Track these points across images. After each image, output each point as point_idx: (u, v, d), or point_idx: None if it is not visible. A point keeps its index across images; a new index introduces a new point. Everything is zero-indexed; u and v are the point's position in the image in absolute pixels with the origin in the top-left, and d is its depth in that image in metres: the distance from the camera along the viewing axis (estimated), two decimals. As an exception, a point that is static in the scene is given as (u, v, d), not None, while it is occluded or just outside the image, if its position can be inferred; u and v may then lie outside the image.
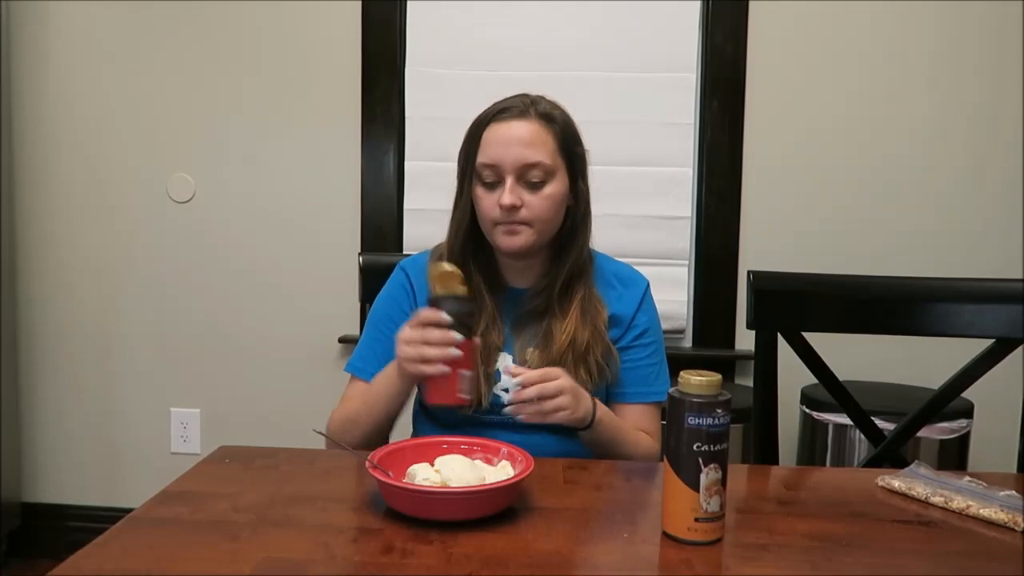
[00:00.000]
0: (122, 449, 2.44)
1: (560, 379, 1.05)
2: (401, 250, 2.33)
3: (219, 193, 2.36)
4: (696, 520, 0.78)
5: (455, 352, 0.99)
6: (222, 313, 2.37)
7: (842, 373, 1.28)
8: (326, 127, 2.33)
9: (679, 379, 0.81)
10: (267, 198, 2.35)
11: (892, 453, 1.26)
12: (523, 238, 1.15)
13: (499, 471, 0.90)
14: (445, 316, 1.00)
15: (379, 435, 1.17)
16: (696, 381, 0.79)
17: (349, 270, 2.24)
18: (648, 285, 1.26)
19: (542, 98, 1.19)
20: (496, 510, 0.83)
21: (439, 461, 0.89)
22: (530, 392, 1.03)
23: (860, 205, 2.25)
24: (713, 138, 2.25)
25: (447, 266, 1.06)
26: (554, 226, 1.18)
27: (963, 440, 2.00)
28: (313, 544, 0.77)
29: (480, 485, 0.82)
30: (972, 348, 1.23)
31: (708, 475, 0.78)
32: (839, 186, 2.26)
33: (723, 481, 0.79)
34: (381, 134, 2.30)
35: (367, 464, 0.85)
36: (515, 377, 1.05)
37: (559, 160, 1.16)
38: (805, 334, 1.26)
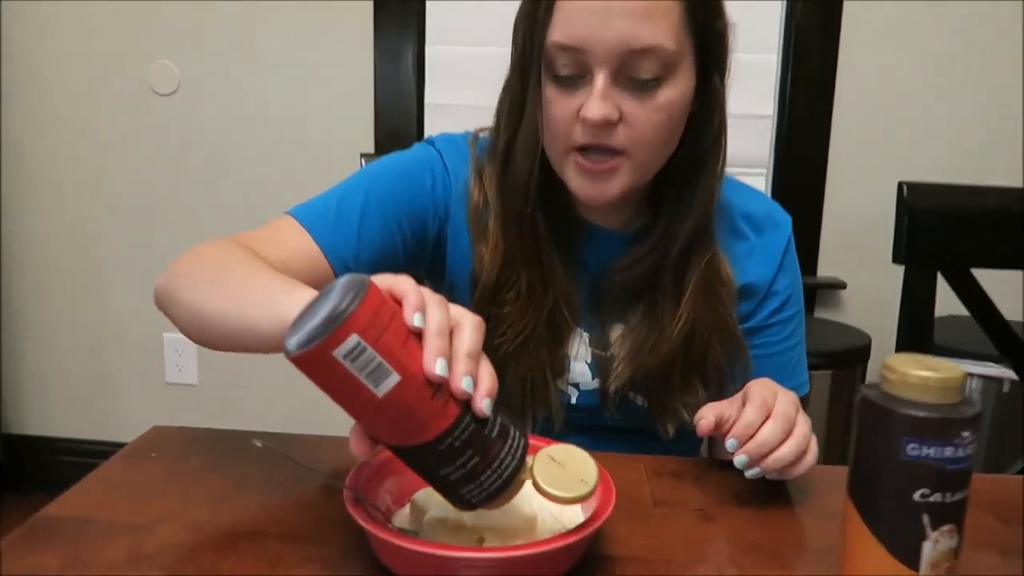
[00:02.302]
0: (113, 378, 2.18)
1: (797, 414, 0.64)
2: (421, 154, 1.97)
3: (207, 85, 2.00)
4: (909, 617, 0.45)
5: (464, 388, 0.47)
6: (216, 222, 2.04)
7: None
8: (332, 5, 1.93)
9: (884, 370, 0.46)
10: (264, 91, 1.99)
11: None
12: (615, 185, 0.72)
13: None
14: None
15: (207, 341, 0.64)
16: (922, 378, 0.44)
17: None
18: (792, 228, 0.85)
19: None
20: (558, 574, 0.51)
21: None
22: (788, 453, 0.62)
23: (979, 116, 1.83)
24: (804, 17, 1.82)
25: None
26: (667, 153, 0.74)
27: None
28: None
29: (536, 545, 0.48)
30: None
31: (938, 544, 0.45)
32: (959, 88, 1.83)
33: (957, 550, 0.46)
34: (396, 13, 1.91)
35: (346, 497, 0.52)
36: (727, 430, 0.63)
37: (685, 43, 0.70)
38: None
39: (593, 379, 0.81)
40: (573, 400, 0.82)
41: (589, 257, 0.81)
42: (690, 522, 0.61)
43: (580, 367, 0.81)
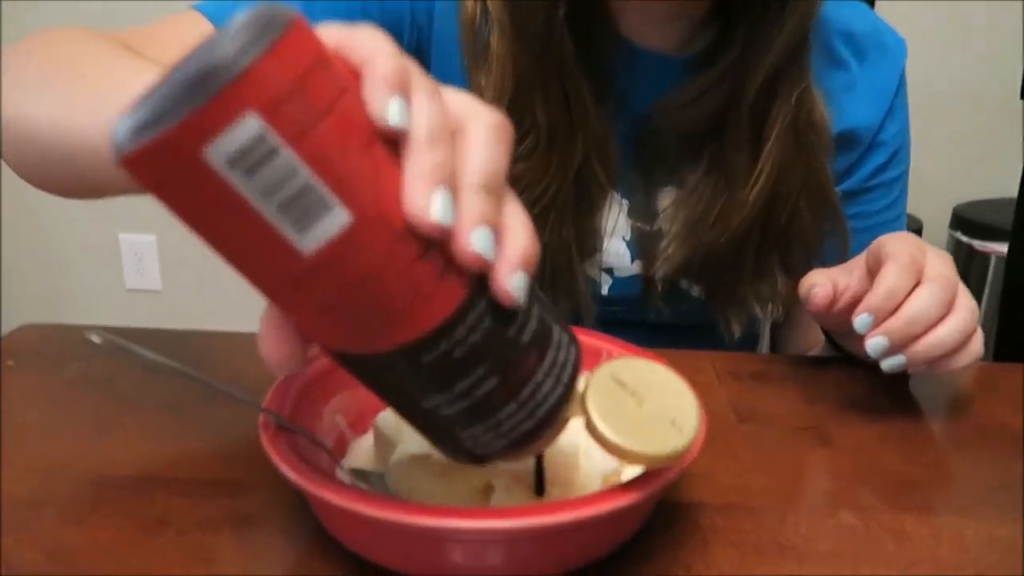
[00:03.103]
0: (65, 286, 1.97)
1: (958, 282, 0.44)
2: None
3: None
4: None
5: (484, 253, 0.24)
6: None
7: None
8: None
9: None
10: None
11: None
12: None
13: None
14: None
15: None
16: None
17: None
18: (906, 54, 0.63)
19: None
20: (615, 545, 0.31)
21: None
22: (950, 334, 0.42)
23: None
24: None
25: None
26: None
27: None
28: None
29: (579, 504, 0.28)
30: None
31: None
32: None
33: None
34: None
35: (262, 424, 0.31)
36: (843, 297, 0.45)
37: None
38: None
39: (633, 262, 0.60)
40: (605, 290, 0.61)
41: (630, 90, 0.57)
42: (797, 447, 0.41)
43: (616, 246, 0.60)
